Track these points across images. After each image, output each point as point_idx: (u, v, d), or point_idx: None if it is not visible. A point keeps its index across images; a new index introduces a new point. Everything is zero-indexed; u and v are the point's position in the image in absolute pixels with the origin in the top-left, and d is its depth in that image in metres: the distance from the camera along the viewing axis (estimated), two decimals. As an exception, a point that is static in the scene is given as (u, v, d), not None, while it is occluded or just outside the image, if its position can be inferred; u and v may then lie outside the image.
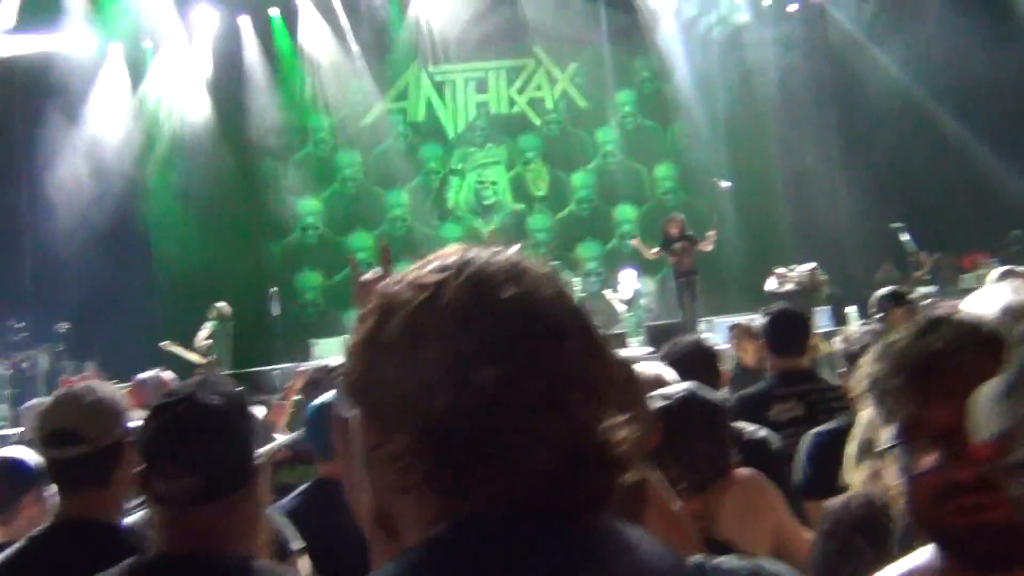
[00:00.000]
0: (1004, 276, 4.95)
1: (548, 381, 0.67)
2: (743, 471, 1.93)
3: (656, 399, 1.52)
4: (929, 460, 0.92)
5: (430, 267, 0.75)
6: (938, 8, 14.03)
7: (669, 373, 2.22)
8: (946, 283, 13.42)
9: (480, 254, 0.74)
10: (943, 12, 13.87)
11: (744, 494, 1.51)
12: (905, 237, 12.90)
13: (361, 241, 15.95)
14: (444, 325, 0.68)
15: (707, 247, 10.93)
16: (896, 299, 4.44)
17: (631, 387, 1.11)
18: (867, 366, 1.08)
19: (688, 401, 1.53)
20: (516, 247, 0.77)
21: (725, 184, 11.94)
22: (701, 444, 1.43)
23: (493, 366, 0.66)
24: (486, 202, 16.35)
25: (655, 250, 11.33)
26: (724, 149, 15.46)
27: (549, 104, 16.86)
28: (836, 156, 15.67)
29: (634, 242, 11.89)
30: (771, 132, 15.51)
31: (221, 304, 11.98)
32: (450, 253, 0.75)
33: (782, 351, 3.53)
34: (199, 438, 1.47)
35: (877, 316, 4.39)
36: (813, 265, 11.74)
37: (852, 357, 2.83)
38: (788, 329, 3.60)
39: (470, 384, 0.66)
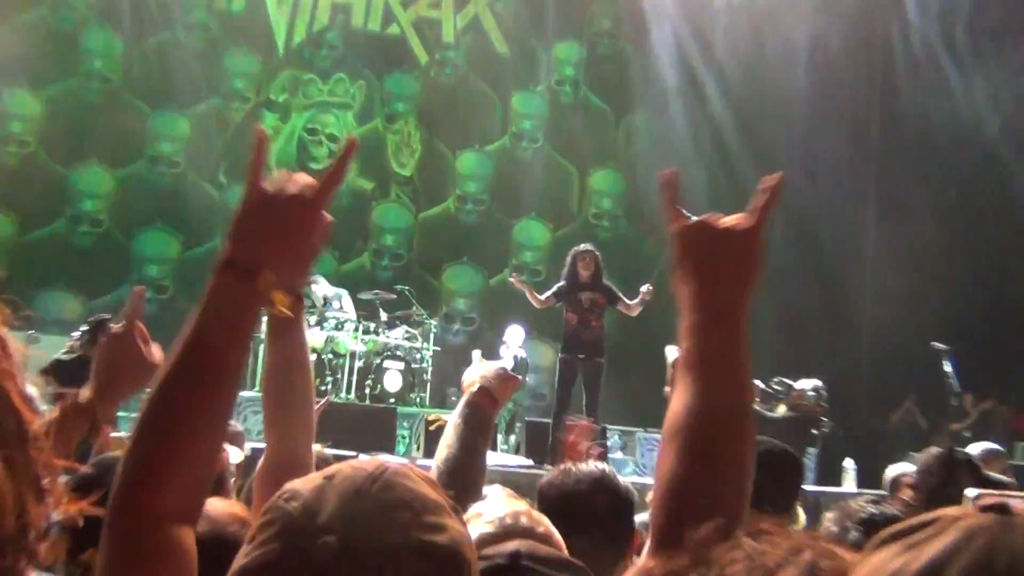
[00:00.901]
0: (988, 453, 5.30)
1: None
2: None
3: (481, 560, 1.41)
4: None
5: None
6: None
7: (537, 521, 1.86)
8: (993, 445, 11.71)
9: None
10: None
11: None
12: (948, 368, 10.90)
13: (92, 181, 12.75)
14: None
15: (634, 310, 8.97)
16: (971, 471, 3.98)
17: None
18: None
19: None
20: None
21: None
22: None
23: None
24: (314, 165, 12.96)
25: (547, 295, 9.22)
26: (703, 168, 12.41)
27: (448, 35, 13.98)
28: (869, 215, 13.13)
29: (515, 280, 9.99)
30: (781, 157, 11.99)
31: None
32: None
33: (762, 506, 2.56)
34: None
35: (918, 487, 4.12)
36: (816, 383, 9.95)
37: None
38: (777, 476, 3.14)
39: None
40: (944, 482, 4.03)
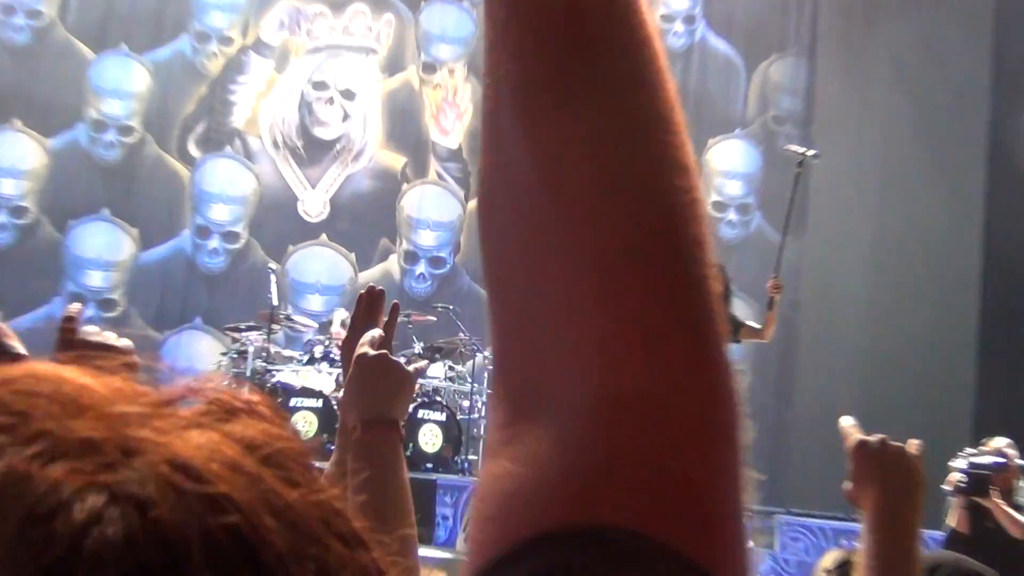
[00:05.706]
0: None
1: None
2: None
3: None
4: None
5: None
6: None
7: None
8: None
9: None
10: None
11: None
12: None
13: (13, 154, 9.84)
14: None
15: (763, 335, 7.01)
16: None
17: None
18: None
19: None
20: None
21: (809, 152, 7.83)
22: None
23: None
24: (321, 132, 10.63)
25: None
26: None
27: None
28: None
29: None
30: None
31: None
32: None
33: None
34: None
35: None
36: (1007, 442, 6.96)
37: None
38: None
39: None
40: None
